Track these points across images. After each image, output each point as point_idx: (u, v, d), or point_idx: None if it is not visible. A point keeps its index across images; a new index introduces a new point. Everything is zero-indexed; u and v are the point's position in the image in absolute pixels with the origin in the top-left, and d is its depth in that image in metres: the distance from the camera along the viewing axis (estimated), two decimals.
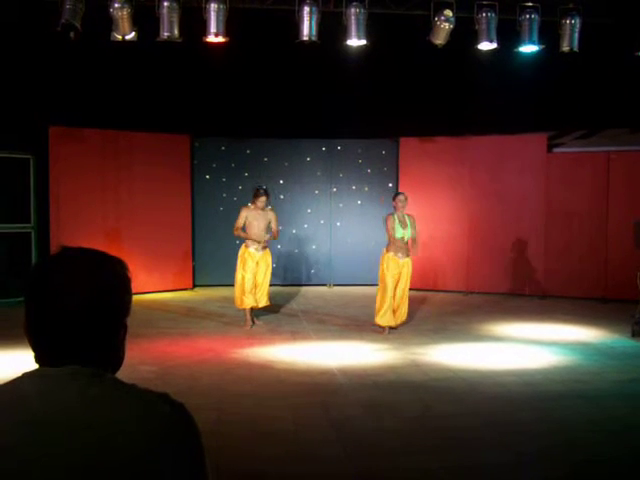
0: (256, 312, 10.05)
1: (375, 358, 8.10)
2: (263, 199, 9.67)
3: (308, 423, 5.82)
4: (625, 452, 5.25)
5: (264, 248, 9.77)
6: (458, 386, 6.94)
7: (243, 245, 9.83)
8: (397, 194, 9.57)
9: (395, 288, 9.34)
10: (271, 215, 9.78)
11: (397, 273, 9.30)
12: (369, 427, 5.74)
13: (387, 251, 9.36)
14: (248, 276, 9.64)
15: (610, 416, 6.03)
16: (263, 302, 9.91)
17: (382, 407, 6.27)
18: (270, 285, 10.03)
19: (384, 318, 9.32)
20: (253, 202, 9.72)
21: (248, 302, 9.71)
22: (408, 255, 9.39)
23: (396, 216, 9.29)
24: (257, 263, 9.73)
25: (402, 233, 9.23)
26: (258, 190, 9.79)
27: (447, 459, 5.06)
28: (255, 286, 9.76)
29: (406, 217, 9.33)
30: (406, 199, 9.35)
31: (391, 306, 9.31)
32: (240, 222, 9.66)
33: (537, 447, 5.28)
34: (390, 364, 7.80)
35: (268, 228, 9.75)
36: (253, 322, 9.91)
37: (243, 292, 9.70)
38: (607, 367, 7.72)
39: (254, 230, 9.65)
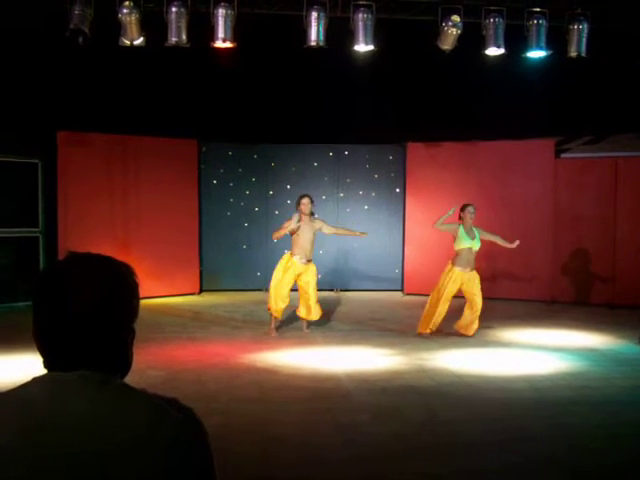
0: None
1: (381, 363, 8.09)
2: (305, 201, 9.51)
3: (315, 428, 5.82)
4: (632, 458, 5.23)
5: (308, 261, 9.60)
6: (465, 391, 6.93)
7: (289, 252, 9.68)
8: (466, 205, 9.45)
9: (469, 301, 9.43)
10: (319, 223, 9.64)
11: (457, 288, 9.34)
12: (376, 432, 5.73)
13: (452, 264, 9.37)
14: (285, 281, 9.45)
15: (618, 422, 6.00)
16: (316, 315, 9.69)
17: (389, 412, 6.26)
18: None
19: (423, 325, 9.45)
20: (298, 209, 9.54)
21: (279, 310, 9.53)
22: (473, 268, 9.39)
23: (462, 227, 9.32)
24: (299, 275, 9.54)
25: (470, 243, 9.26)
26: (300, 196, 9.66)
27: (454, 464, 5.05)
28: (304, 298, 9.61)
29: (474, 229, 9.36)
30: (475, 211, 9.37)
31: (433, 315, 9.33)
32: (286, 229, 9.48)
33: (544, 453, 5.27)
34: (396, 369, 7.79)
35: (314, 240, 9.61)
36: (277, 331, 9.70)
37: (279, 297, 9.46)
38: (615, 373, 7.69)
39: (300, 241, 9.49)
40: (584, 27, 9.46)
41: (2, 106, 10.97)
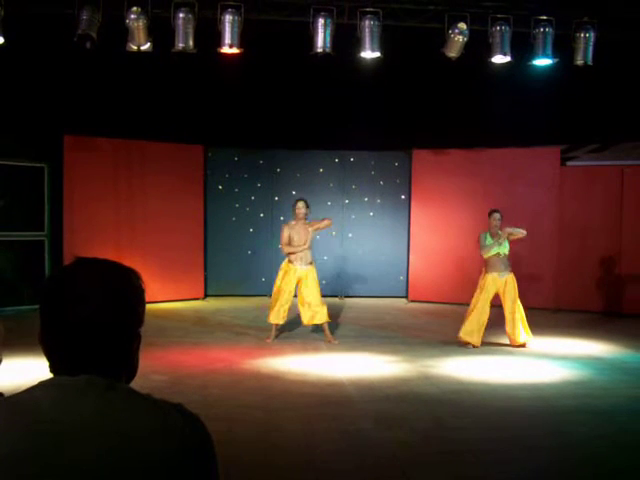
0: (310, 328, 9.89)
1: (386, 370, 8.07)
2: (300, 205, 9.53)
3: (319, 434, 5.81)
4: (636, 468, 5.21)
5: (310, 264, 9.59)
6: (469, 399, 6.91)
7: (287, 260, 9.63)
8: (493, 211, 9.46)
9: (504, 309, 9.40)
10: (310, 227, 9.56)
11: (494, 291, 9.31)
12: (380, 439, 5.72)
13: (485, 272, 9.37)
14: (285, 289, 9.47)
15: (622, 431, 5.98)
16: (321, 319, 9.59)
17: (393, 419, 6.24)
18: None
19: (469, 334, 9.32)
20: (293, 214, 9.61)
21: (274, 318, 9.53)
22: (510, 271, 9.39)
23: (489, 234, 9.32)
24: (300, 279, 9.51)
25: (497, 249, 9.23)
26: (296, 201, 9.70)
27: (457, 472, 5.04)
28: (306, 304, 9.52)
29: (500, 233, 9.31)
30: (501, 218, 9.36)
31: (479, 323, 9.25)
32: (284, 239, 9.48)
33: (547, 462, 5.25)
34: (401, 376, 7.78)
35: (312, 242, 9.58)
36: (276, 337, 9.68)
37: (275, 305, 9.51)
38: (620, 382, 7.66)
39: (296, 246, 9.48)
40: (591, 35, 9.45)
41: (9, 110, 11.02)
